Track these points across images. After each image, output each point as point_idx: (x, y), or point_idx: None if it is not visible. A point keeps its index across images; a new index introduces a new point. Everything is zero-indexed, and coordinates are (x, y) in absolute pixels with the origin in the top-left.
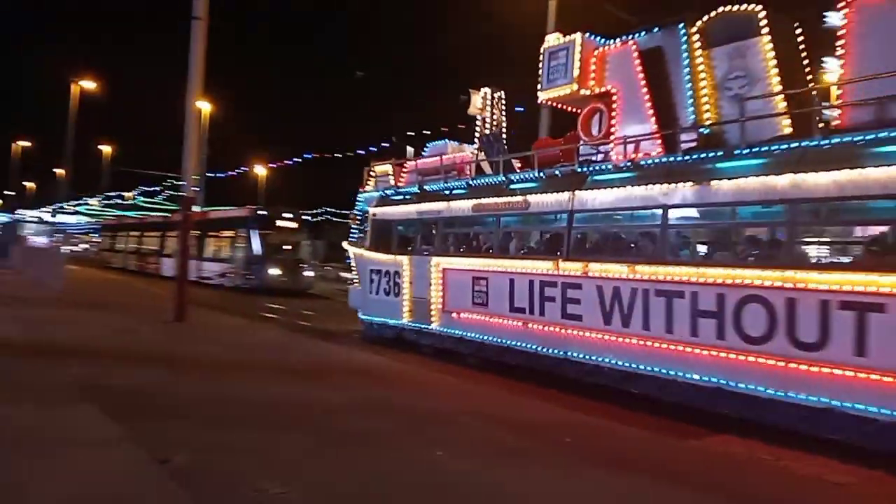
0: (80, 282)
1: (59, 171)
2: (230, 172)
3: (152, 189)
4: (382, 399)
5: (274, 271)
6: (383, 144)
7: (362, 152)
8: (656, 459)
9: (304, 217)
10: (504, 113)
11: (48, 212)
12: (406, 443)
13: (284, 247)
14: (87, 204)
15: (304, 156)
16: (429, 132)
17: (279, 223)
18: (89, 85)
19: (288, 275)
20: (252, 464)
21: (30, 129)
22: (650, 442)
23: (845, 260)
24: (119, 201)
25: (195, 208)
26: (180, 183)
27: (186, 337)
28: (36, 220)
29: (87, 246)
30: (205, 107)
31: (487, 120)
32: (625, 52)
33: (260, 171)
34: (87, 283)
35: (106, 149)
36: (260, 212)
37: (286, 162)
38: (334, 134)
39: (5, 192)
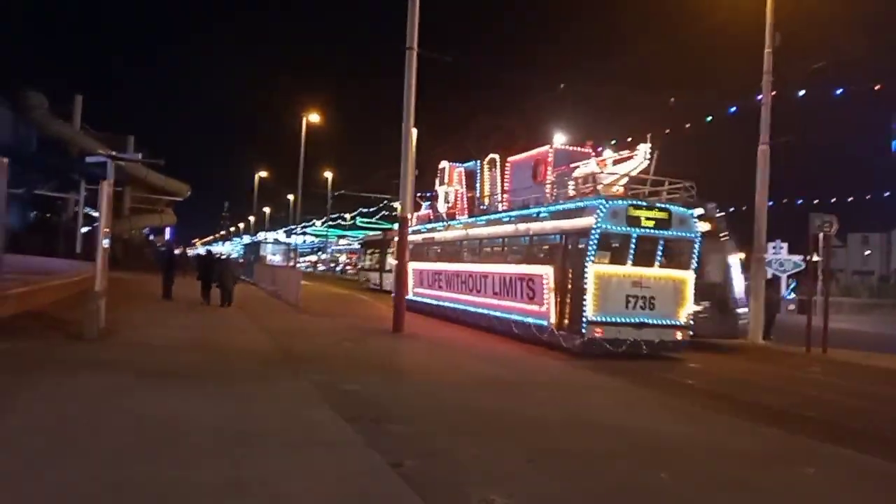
0: (310, 297)
1: (291, 197)
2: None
3: (369, 210)
4: (588, 417)
5: None
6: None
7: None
8: None
9: None
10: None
11: (283, 232)
12: (620, 462)
13: None
14: (314, 225)
15: None
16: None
17: None
18: (314, 118)
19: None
20: (476, 472)
21: (265, 159)
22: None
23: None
24: (341, 222)
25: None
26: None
27: (404, 348)
28: (273, 240)
29: (314, 263)
30: (413, 132)
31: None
32: (460, 171)
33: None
34: (316, 297)
35: (328, 175)
36: None
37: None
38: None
39: (249, 217)
